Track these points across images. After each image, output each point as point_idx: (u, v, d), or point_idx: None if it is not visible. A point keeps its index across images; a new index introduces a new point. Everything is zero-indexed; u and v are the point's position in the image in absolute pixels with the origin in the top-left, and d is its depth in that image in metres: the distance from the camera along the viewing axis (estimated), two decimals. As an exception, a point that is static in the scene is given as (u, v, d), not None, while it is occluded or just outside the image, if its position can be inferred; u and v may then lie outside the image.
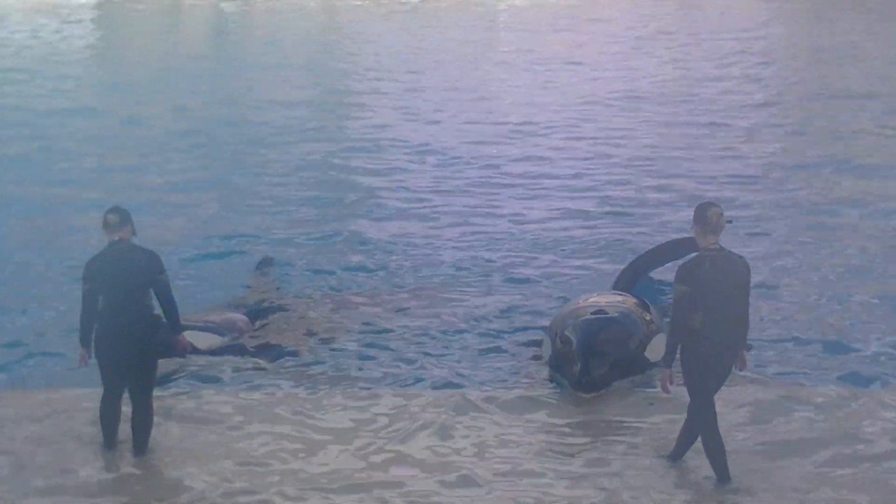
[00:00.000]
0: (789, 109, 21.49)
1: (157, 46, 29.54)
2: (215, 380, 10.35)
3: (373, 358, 10.80)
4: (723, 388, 8.32)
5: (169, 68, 26.28)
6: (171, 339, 8.80)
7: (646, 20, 31.65)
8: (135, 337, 8.44)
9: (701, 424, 8.26)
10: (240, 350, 11.02)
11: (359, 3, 35.49)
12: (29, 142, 19.52)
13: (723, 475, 8.24)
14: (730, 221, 8.27)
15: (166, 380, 10.01)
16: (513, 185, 17.17)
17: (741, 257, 8.19)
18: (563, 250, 14.21)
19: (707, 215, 8.04)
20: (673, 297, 8.18)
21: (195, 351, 10.65)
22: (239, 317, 11.73)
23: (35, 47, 28.39)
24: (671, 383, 8.16)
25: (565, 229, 15.05)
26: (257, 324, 11.69)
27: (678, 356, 8.13)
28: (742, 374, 8.71)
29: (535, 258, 13.92)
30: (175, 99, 23.07)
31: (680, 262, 8.49)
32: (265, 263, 13.40)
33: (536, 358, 10.60)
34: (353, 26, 31.84)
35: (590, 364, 9.75)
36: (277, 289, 12.76)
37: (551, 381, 10.07)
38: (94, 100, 23.32)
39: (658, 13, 32.08)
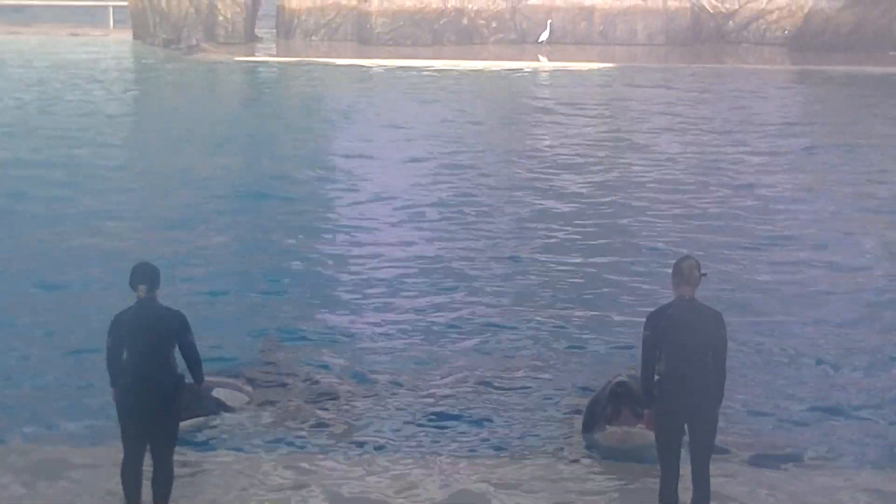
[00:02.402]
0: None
1: (187, 109, 29.81)
2: (240, 438, 10.43)
3: (401, 419, 10.89)
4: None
5: (195, 131, 26.51)
6: (194, 387, 9.00)
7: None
8: (158, 394, 8.58)
9: (662, 470, 8.54)
10: (266, 408, 11.11)
11: (401, 70, 35.57)
12: (54, 200, 19.72)
13: None
14: (704, 275, 8.60)
15: (190, 437, 10.07)
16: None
17: (715, 312, 8.53)
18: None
19: (682, 267, 8.53)
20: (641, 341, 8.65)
21: (223, 408, 10.78)
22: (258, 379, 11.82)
23: (64, 108, 28.72)
24: (652, 422, 8.61)
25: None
26: (277, 384, 11.77)
27: None
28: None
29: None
30: (202, 161, 23.19)
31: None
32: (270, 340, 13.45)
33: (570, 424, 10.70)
34: (384, 93, 31.98)
35: (626, 380, 10.00)
36: (296, 353, 12.84)
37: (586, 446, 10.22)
38: (122, 159, 23.56)
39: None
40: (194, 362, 8.84)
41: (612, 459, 9.92)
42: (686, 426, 8.55)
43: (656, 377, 8.56)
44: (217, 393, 10.81)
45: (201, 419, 10.45)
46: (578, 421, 10.62)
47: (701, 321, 8.42)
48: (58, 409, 11.13)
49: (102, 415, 10.29)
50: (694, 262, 8.56)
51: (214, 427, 10.55)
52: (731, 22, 40.06)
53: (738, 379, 11.40)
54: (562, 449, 10.30)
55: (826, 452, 10.32)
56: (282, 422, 10.79)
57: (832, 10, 37.93)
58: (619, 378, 10.12)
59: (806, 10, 38.58)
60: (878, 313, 14.32)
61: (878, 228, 18.24)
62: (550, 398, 11.54)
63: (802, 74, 35.02)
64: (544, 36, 39.16)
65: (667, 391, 8.45)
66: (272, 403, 11.21)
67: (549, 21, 39.27)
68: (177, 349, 8.77)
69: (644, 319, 8.68)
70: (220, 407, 10.76)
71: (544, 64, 36.79)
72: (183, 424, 9.17)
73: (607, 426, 9.98)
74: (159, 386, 8.58)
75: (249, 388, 11.40)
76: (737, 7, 39.98)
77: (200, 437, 10.33)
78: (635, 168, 22.75)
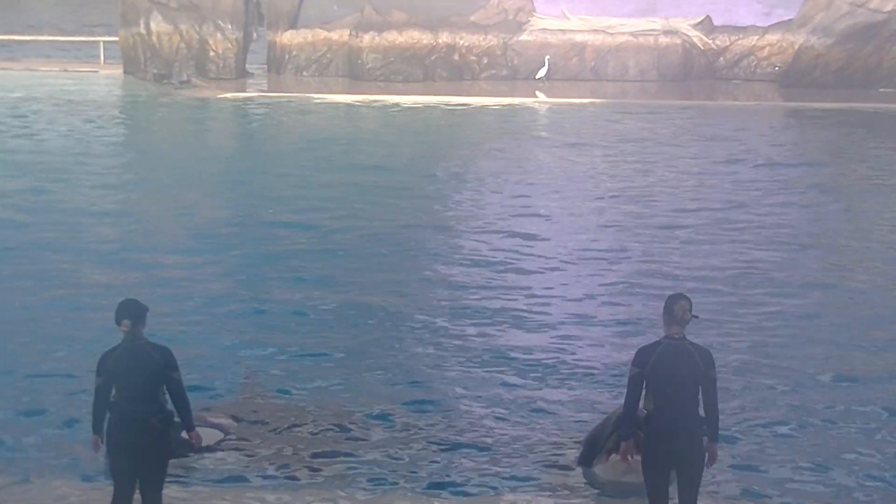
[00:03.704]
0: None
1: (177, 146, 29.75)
2: (220, 476, 10.34)
3: (388, 457, 10.75)
4: None
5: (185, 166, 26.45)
6: (184, 435, 8.82)
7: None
8: (147, 431, 8.50)
9: None
10: (243, 444, 10.98)
11: (396, 106, 35.49)
12: (47, 233, 19.62)
13: None
14: (696, 316, 8.58)
15: (174, 476, 9.90)
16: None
17: (704, 350, 8.50)
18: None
19: (674, 307, 8.47)
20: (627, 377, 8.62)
21: (201, 447, 10.59)
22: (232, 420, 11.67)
23: (52, 143, 28.63)
24: (631, 456, 8.68)
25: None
26: (255, 420, 11.63)
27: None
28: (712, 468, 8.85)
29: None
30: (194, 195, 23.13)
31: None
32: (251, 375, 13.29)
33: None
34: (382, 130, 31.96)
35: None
36: (275, 388, 12.70)
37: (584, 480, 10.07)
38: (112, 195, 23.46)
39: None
40: (181, 404, 8.71)
41: (612, 493, 9.77)
42: (674, 465, 8.47)
43: (644, 412, 8.51)
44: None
45: (175, 458, 10.21)
46: (570, 455, 10.49)
47: (689, 361, 8.39)
48: (44, 446, 11.01)
49: (90, 452, 10.12)
50: (687, 304, 8.53)
51: (189, 464, 10.42)
52: (721, 58, 40.17)
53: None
54: (555, 483, 10.16)
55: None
56: (259, 459, 10.67)
57: (822, 46, 38.00)
58: None
59: (796, 47, 38.66)
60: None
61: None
62: (539, 432, 11.41)
63: (793, 111, 35.05)
64: (542, 72, 39.13)
65: (654, 429, 8.44)
66: (249, 440, 11.07)
67: (547, 57, 39.25)
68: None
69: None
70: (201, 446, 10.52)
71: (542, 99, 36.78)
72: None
73: (610, 456, 9.84)
74: (148, 423, 8.50)
75: (225, 422, 11.27)
76: (727, 44, 40.10)
77: (174, 474, 10.09)
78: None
